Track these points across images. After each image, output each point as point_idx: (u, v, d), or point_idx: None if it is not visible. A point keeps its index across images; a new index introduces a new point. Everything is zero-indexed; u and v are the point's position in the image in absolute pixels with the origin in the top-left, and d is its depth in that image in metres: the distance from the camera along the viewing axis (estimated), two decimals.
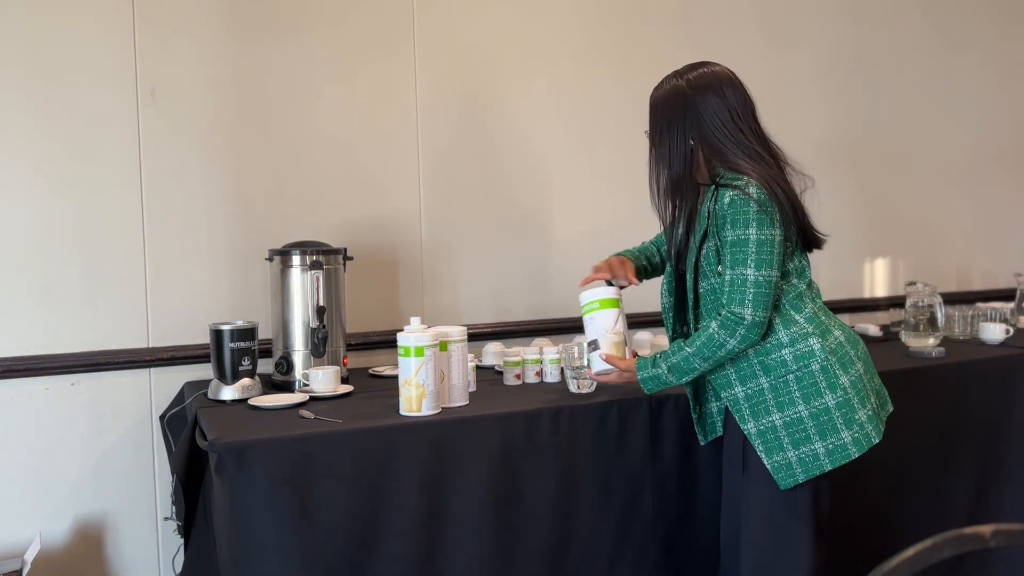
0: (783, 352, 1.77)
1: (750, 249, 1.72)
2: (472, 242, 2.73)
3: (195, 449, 1.91)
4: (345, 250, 2.29)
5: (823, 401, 1.74)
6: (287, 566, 1.69)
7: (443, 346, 1.93)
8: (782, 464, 1.76)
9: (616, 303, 1.94)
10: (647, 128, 1.93)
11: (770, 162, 1.80)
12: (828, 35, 3.31)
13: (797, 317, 1.79)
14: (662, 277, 2.01)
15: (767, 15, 3.17)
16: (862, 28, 3.39)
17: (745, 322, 1.72)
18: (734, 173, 1.78)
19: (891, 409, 1.92)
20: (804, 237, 1.84)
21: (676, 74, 1.88)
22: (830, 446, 1.74)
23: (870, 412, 1.78)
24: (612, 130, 2.92)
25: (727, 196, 1.74)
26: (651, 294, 2.98)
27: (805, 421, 1.75)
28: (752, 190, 1.73)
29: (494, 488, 1.86)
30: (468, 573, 1.84)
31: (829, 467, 1.75)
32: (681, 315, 1.94)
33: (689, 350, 1.79)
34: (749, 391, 1.80)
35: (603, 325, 1.92)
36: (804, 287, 1.83)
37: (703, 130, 1.81)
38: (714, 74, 1.84)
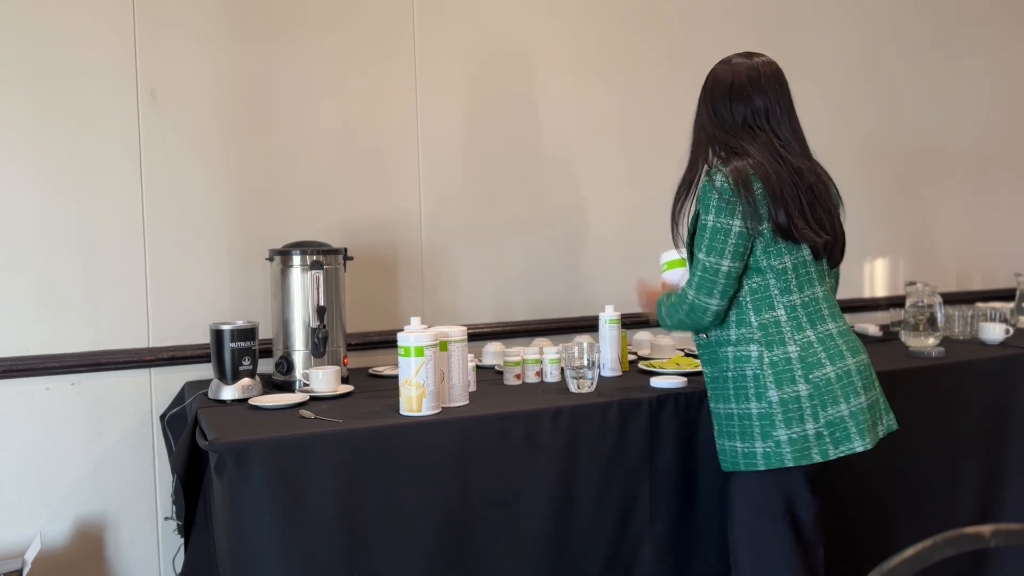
0: (727, 349, 1.83)
1: (706, 234, 1.78)
2: (472, 242, 2.73)
3: (195, 449, 1.92)
4: (345, 250, 2.29)
5: (748, 406, 1.79)
6: (287, 566, 1.69)
7: (443, 346, 1.93)
8: (722, 448, 1.87)
9: (683, 263, 2.03)
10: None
11: (760, 152, 1.79)
12: (829, 37, 3.31)
13: (752, 319, 1.79)
14: None
15: (768, 17, 3.17)
16: (863, 30, 3.39)
17: (687, 301, 1.82)
18: (722, 161, 1.85)
19: (892, 427, 1.88)
20: (787, 233, 1.76)
21: (721, 61, 1.95)
22: (746, 449, 1.80)
23: (798, 435, 1.74)
24: (612, 131, 2.92)
25: (703, 182, 1.83)
26: None
27: (733, 418, 1.82)
28: (718, 178, 1.77)
29: (494, 488, 1.86)
30: (468, 573, 1.84)
31: (743, 468, 1.81)
32: None
33: (666, 306, 1.91)
34: (709, 374, 1.90)
35: (672, 278, 2.06)
36: (780, 291, 1.78)
37: (707, 117, 1.89)
38: (723, 62, 1.90)
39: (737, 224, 1.74)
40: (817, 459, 1.75)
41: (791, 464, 1.75)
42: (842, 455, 1.76)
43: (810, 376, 1.75)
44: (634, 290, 2.22)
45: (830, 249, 1.83)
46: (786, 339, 1.77)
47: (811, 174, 1.81)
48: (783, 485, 1.81)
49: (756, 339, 1.78)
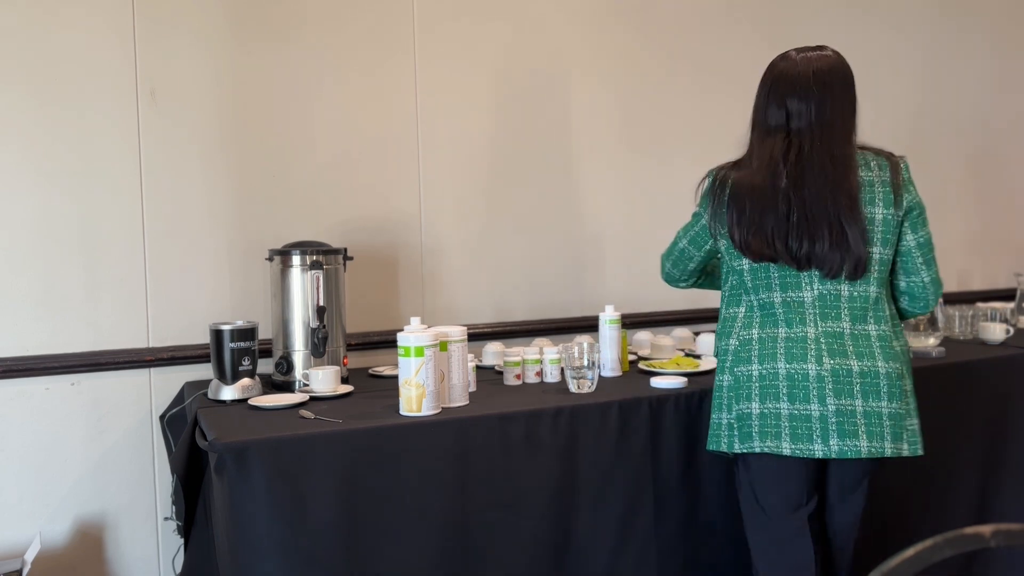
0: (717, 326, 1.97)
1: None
2: (472, 242, 2.73)
3: (195, 449, 1.92)
4: (345, 250, 2.29)
5: (718, 379, 1.91)
6: (287, 566, 1.69)
7: (443, 346, 1.93)
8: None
9: None
10: None
11: (759, 164, 1.80)
12: (830, 38, 3.31)
13: (723, 311, 1.94)
14: None
15: (774, 15, 3.17)
16: (863, 31, 3.39)
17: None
18: (733, 163, 1.92)
19: (884, 452, 1.77)
20: (740, 246, 1.81)
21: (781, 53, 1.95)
22: (712, 422, 1.92)
23: (716, 422, 1.88)
24: (613, 130, 2.92)
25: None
26: (651, 295, 2.98)
27: (712, 391, 1.94)
28: (708, 178, 1.92)
29: (494, 489, 1.86)
30: (468, 574, 1.84)
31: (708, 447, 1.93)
32: None
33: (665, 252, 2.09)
34: None
35: None
36: (745, 291, 1.87)
37: (753, 109, 1.93)
38: (781, 55, 1.89)
39: (704, 219, 1.93)
40: (724, 448, 1.87)
41: (708, 447, 1.92)
42: (744, 452, 1.84)
43: (735, 369, 1.85)
44: None
45: (817, 262, 1.78)
46: (732, 333, 1.88)
47: (824, 187, 1.76)
48: (742, 468, 1.91)
49: (719, 330, 1.93)
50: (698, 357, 2.48)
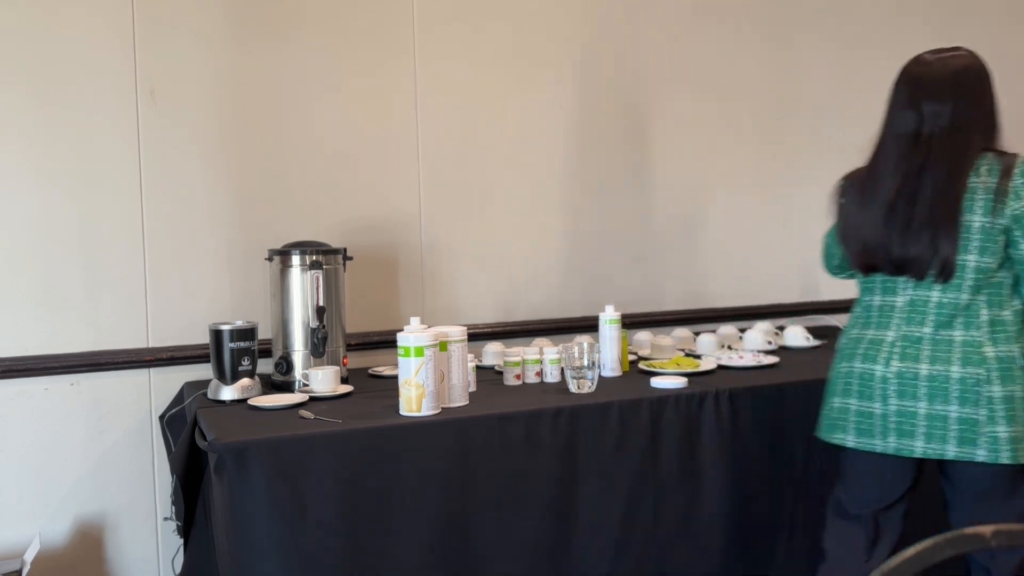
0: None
1: None
2: (472, 242, 2.73)
3: (195, 449, 1.92)
4: (345, 250, 2.29)
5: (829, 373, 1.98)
6: (286, 566, 1.68)
7: (443, 346, 1.92)
8: None
9: None
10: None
11: (882, 164, 1.84)
12: (831, 39, 3.31)
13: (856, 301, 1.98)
14: None
15: (770, 13, 3.17)
16: (862, 31, 3.39)
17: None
18: None
19: (945, 454, 1.78)
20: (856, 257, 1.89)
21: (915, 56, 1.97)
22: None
23: (839, 409, 1.90)
24: (612, 130, 2.91)
25: None
26: (652, 295, 2.99)
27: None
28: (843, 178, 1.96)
29: (494, 489, 1.86)
30: (468, 574, 1.84)
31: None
32: None
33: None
34: None
35: None
36: (860, 294, 1.95)
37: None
38: (914, 58, 1.90)
39: (834, 216, 1.98)
40: (818, 434, 1.97)
41: (820, 435, 1.97)
42: (824, 440, 1.94)
43: (834, 365, 1.95)
44: None
45: (909, 266, 1.81)
46: (844, 332, 1.97)
47: (935, 192, 1.76)
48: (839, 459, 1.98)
49: (850, 322, 1.98)
50: (698, 357, 2.48)
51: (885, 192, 1.80)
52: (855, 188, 1.89)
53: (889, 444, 1.81)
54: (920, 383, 1.79)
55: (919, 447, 1.79)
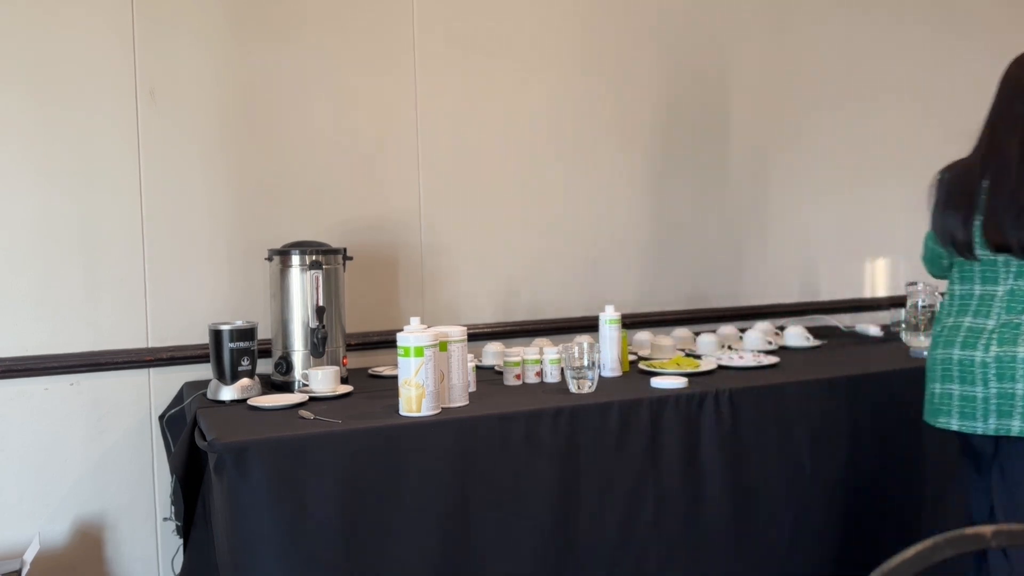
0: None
1: None
2: (472, 242, 2.73)
3: (194, 449, 1.91)
4: (345, 250, 2.29)
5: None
6: (287, 566, 1.68)
7: (443, 346, 1.92)
8: None
9: None
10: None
11: (983, 154, 1.92)
12: (831, 37, 3.31)
13: (948, 290, 2.06)
14: None
15: (770, 10, 3.17)
16: (862, 30, 3.39)
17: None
18: None
19: (994, 428, 1.90)
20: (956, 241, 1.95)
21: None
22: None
23: (941, 395, 1.97)
24: (611, 130, 2.91)
25: None
26: (652, 295, 2.98)
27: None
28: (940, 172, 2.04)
29: (494, 489, 1.86)
30: (468, 573, 1.84)
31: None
32: None
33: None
34: None
35: None
36: (952, 281, 2.02)
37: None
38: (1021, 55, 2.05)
39: (933, 213, 2.04)
40: (925, 418, 2.04)
41: (926, 419, 2.03)
42: (928, 423, 2.02)
43: (931, 352, 2.03)
44: None
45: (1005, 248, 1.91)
46: (939, 320, 2.04)
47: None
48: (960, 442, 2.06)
49: (943, 311, 2.05)
50: (698, 357, 2.48)
51: (991, 180, 1.90)
52: (956, 180, 1.95)
53: (990, 425, 1.90)
54: (1018, 365, 1.88)
55: (1016, 426, 1.89)
